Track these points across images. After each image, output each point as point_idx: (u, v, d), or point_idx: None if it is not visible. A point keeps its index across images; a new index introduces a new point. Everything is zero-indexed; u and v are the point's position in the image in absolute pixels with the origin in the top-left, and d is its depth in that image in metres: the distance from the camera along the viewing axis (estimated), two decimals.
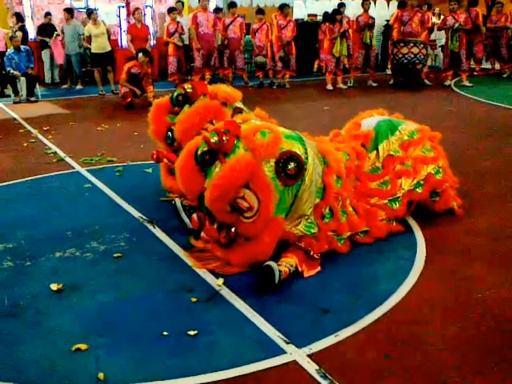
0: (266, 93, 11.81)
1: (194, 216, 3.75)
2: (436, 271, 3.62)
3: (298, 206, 3.61)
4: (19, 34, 11.45)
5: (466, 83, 12.04)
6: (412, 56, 11.53)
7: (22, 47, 11.06)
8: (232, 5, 12.43)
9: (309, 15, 15.39)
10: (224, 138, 3.43)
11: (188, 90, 4.54)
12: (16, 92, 10.92)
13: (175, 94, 4.64)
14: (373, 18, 12.39)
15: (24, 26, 12.50)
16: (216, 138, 3.43)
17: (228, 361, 2.70)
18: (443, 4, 15.37)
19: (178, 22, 11.94)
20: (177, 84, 10.87)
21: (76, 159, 6.40)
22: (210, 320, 3.06)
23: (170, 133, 4.60)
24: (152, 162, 4.69)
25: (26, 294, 3.35)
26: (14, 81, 10.85)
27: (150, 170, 5.74)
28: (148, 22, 13.44)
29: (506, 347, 2.78)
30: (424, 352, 2.75)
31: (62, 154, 6.68)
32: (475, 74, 13.44)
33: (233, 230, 3.49)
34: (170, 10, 12.08)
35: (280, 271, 3.36)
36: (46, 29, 12.45)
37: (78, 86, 12.60)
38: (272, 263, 3.36)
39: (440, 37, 14.15)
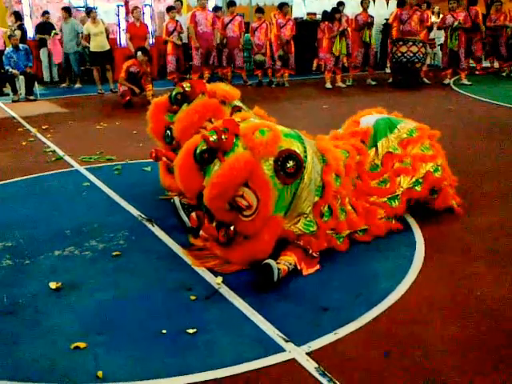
0: (265, 91, 11.81)
1: (193, 214, 3.75)
2: (435, 270, 3.62)
3: (296, 205, 3.62)
4: (18, 32, 11.42)
5: (465, 82, 12.04)
6: (411, 55, 11.53)
7: (21, 46, 11.05)
8: (231, 3, 12.41)
9: (308, 14, 15.36)
10: (223, 137, 3.43)
11: (186, 89, 4.54)
12: (15, 91, 10.91)
13: (174, 93, 4.64)
14: (372, 17, 12.37)
15: (23, 24, 12.47)
16: (215, 137, 3.43)
17: (227, 359, 2.70)
18: (442, 3, 15.36)
19: (177, 21, 11.93)
20: (176, 83, 10.85)
21: (75, 158, 6.40)
22: (209, 318, 3.06)
23: (168, 131, 4.60)
24: (151, 160, 4.69)
25: (25, 293, 3.35)
26: (13, 79, 10.84)
27: (148, 169, 5.74)
28: (147, 20, 13.43)
29: (506, 346, 2.78)
30: (423, 350, 2.75)
31: (60, 152, 6.68)
32: (476, 73, 13.43)
33: (232, 228, 3.49)
34: (169, 9, 12.06)
35: (279, 269, 3.36)
36: (45, 27, 12.42)
37: (77, 85, 12.59)
38: (271, 261, 3.36)
39: (439, 35, 14.15)
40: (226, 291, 3.34)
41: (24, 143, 7.25)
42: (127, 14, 13.16)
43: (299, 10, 16.10)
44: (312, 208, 3.69)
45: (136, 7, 11.97)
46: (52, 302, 3.26)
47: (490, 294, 3.30)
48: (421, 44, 11.62)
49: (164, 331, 2.92)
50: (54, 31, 12.35)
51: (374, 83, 12.44)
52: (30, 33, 13.00)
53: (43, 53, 12.82)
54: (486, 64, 14.09)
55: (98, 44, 11.52)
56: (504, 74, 13.53)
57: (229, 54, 12.34)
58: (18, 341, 2.87)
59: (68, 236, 4.19)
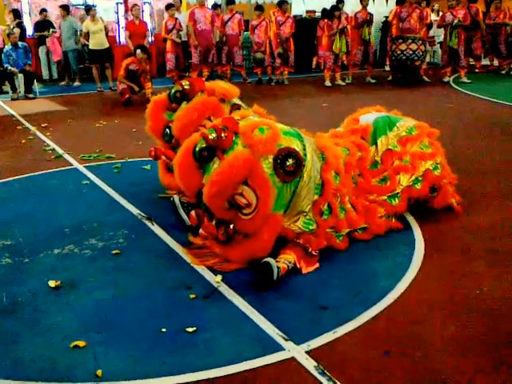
0: (264, 89, 11.80)
1: (193, 213, 3.75)
2: (434, 269, 3.62)
3: (296, 203, 3.61)
4: (17, 30, 11.41)
5: (465, 80, 12.03)
6: (410, 52, 11.51)
7: (20, 44, 11.04)
8: (230, 1, 12.40)
9: (307, 11, 15.35)
10: (222, 135, 3.43)
11: (186, 87, 4.54)
12: (14, 89, 10.91)
13: (173, 91, 4.63)
14: (371, 15, 12.35)
15: (21, 22, 12.46)
16: (214, 135, 3.43)
17: (226, 358, 2.70)
18: (442, 0, 15.35)
19: (176, 19, 11.90)
20: (175, 81, 10.84)
21: (74, 156, 6.39)
22: (209, 317, 3.06)
23: (167, 130, 4.60)
24: (150, 158, 4.69)
25: (25, 291, 3.35)
26: (12, 77, 10.83)
27: (148, 167, 5.73)
28: (146, 18, 13.42)
29: (506, 346, 2.78)
30: (423, 349, 2.75)
31: (60, 150, 6.67)
32: (476, 71, 13.43)
33: (231, 226, 3.49)
34: (168, 7, 12.04)
35: (278, 268, 3.36)
36: (44, 25, 12.41)
37: (76, 83, 12.58)
38: (270, 260, 3.36)
39: (438, 33, 14.15)
40: (225, 290, 3.34)
41: (23, 141, 7.25)
42: (126, 11, 13.14)
43: (298, 8, 16.08)
44: (311, 206, 3.68)
45: (135, 5, 11.94)
46: (51, 300, 3.26)
47: (490, 293, 3.30)
48: (420, 42, 11.61)
49: (163, 330, 2.92)
50: (52, 29, 12.34)
51: (373, 81, 12.43)
52: (29, 31, 12.98)
53: (42, 51, 12.81)
54: (485, 62, 14.08)
55: (97, 42, 11.51)
56: (503, 72, 13.52)
57: (228, 51, 12.33)
58: (17, 339, 2.87)
59: (67, 234, 4.18)
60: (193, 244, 3.90)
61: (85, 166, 5.99)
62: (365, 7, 12.25)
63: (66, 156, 6.43)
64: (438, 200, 4.36)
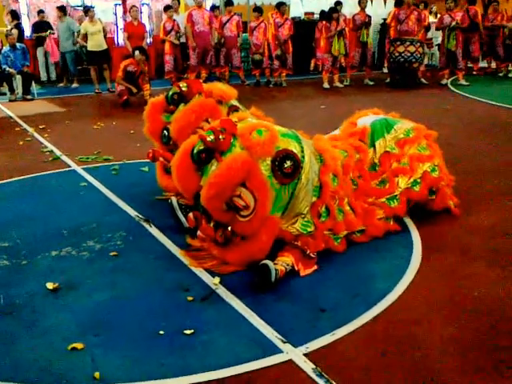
0: (262, 91, 11.81)
1: (191, 215, 3.75)
2: (433, 270, 3.62)
3: (294, 205, 3.61)
4: (15, 31, 11.40)
5: (463, 82, 12.04)
6: (408, 54, 11.53)
7: (18, 45, 11.03)
8: (228, 3, 12.40)
9: (305, 13, 15.36)
10: (220, 137, 3.43)
11: (183, 89, 4.53)
12: (12, 90, 10.90)
13: (170, 93, 4.63)
14: (369, 17, 12.38)
15: (20, 23, 12.45)
16: (212, 137, 3.43)
17: (224, 360, 2.69)
18: (440, 2, 15.38)
19: (174, 20, 11.91)
20: (173, 82, 10.84)
21: (72, 157, 6.39)
22: (207, 319, 3.06)
23: (165, 131, 4.59)
24: (148, 160, 4.68)
25: (22, 293, 3.34)
26: (10, 79, 10.82)
27: (146, 169, 5.73)
28: (145, 19, 13.41)
29: (506, 347, 2.78)
30: (422, 351, 2.75)
31: (58, 152, 6.67)
32: (474, 73, 13.45)
33: (229, 228, 3.49)
34: (166, 8, 12.04)
35: (276, 270, 3.36)
36: (42, 26, 12.40)
37: (74, 84, 12.58)
38: (268, 262, 3.36)
39: (436, 35, 14.16)
40: (223, 292, 3.33)
41: (21, 143, 7.24)
42: (125, 12, 13.12)
43: (297, 10, 16.10)
44: (309, 208, 3.68)
45: (133, 6, 11.94)
46: (49, 302, 3.25)
47: (489, 294, 3.30)
48: (418, 44, 11.63)
49: (161, 332, 2.91)
50: (49, 30, 12.34)
51: (371, 83, 12.44)
52: (27, 32, 12.97)
53: (40, 52, 12.80)
54: (483, 64, 14.10)
55: (96, 43, 11.51)
56: (501, 75, 13.55)
57: (226, 53, 12.33)
58: (14, 341, 2.86)
59: (65, 236, 4.18)
60: (191, 246, 3.90)
61: (83, 168, 5.98)
62: (363, 9, 12.28)
63: (64, 158, 6.42)
64: (437, 202, 4.36)
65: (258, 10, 12.47)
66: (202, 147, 3.49)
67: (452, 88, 11.74)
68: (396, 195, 4.18)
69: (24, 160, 6.39)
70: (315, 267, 3.61)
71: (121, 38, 12.80)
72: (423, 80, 12.39)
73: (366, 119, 4.56)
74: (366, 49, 12.35)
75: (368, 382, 2.55)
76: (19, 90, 11.00)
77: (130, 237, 4.16)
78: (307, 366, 2.63)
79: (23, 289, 3.40)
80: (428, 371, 2.61)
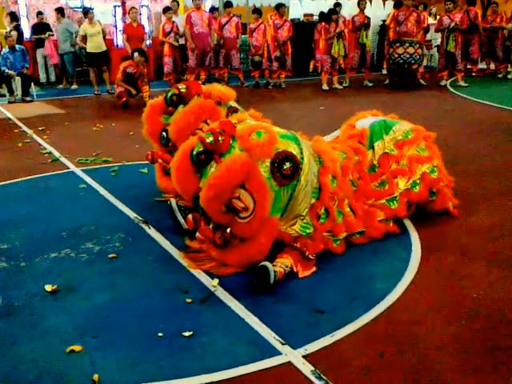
0: (261, 93, 11.81)
1: (190, 216, 3.75)
2: (432, 271, 3.62)
3: (293, 206, 3.61)
4: (14, 33, 11.41)
5: (462, 83, 12.06)
6: (408, 56, 11.54)
7: (17, 47, 11.04)
8: (228, 4, 12.42)
9: (305, 15, 15.36)
10: (219, 138, 3.43)
11: (182, 90, 4.53)
12: (11, 92, 10.90)
13: (169, 94, 4.62)
14: (368, 18, 12.39)
15: (19, 25, 12.45)
16: (211, 138, 3.43)
17: (223, 362, 2.69)
18: (439, 4, 15.40)
19: (174, 22, 11.92)
20: (172, 84, 10.85)
21: (71, 159, 6.39)
22: (205, 321, 3.05)
23: (164, 133, 4.59)
24: (147, 162, 4.68)
25: (21, 295, 3.34)
26: (9, 80, 10.83)
27: (145, 170, 5.73)
28: (144, 21, 13.42)
29: (505, 347, 2.78)
30: (421, 352, 2.75)
31: (57, 154, 6.67)
32: (473, 74, 13.46)
33: (228, 230, 3.49)
34: (166, 10, 12.06)
35: (275, 272, 3.35)
36: (41, 28, 12.42)
37: (74, 86, 12.59)
38: (267, 264, 3.36)
39: (436, 37, 14.17)
40: (222, 293, 3.33)
41: (20, 144, 7.24)
42: (124, 14, 13.14)
43: (296, 11, 16.10)
44: (308, 210, 3.68)
45: (133, 8, 11.95)
46: (48, 304, 3.25)
47: (489, 294, 3.30)
48: (417, 45, 11.64)
49: (160, 334, 2.91)
50: (48, 32, 12.34)
51: (370, 85, 12.45)
52: (27, 33, 12.98)
53: (39, 54, 12.80)
54: (482, 65, 14.11)
55: (95, 45, 11.53)
56: (500, 76, 13.56)
57: (225, 55, 12.34)
58: (13, 343, 2.86)
59: (64, 238, 4.17)
60: (189, 248, 3.89)
61: (82, 170, 5.98)
62: (362, 11, 12.29)
63: (63, 159, 6.42)
64: (437, 203, 4.36)
65: (258, 11, 12.49)
66: (201, 149, 3.48)
67: (451, 89, 11.75)
68: (396, 196, 4.18)
69: (23, 162, 6.39)
70: (314, 269, 3.61)
71: (120, 40, 12.82)
72: (422, 81, 12.40)
73: (365, 121, 4.56)
74: (365, 50, 12.35)
75: (368, 383, 2.55)
76: (18, 92, 11.00)
77: (128, 238, 4.16)
78: (306, 368, 2.63)
79: (22, 291, 3.39)
80: (428, 371, 2.61)
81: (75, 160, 6.34)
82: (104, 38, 11.81)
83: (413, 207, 4.30)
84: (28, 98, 10.94)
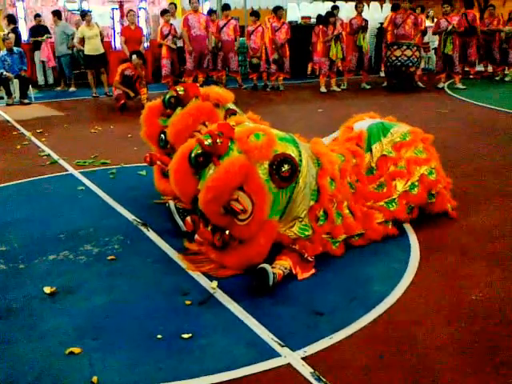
0: (259, 95, 11.82)
1: (188, 219, 3.75)
2: (431, 272, 3.63)
3: (292, 209, 3.62)
4: (12, 35, 11.39)
5: (459, 86, 12.08)
6: (405, 58, 11.56)
7: (15, 49, 11.02)
8: (226, 7, 12.43)
9: (302, 18, 15.40)
10: (218, 141, 3.43)
11: (180, 93, 4.54)
12: (9, 94, 10.88)
13: (167, 97, 4.63)
14: (366, 21, 12.41)
15: (17, 27, 12.44)
16: (210, 141, 3.43)
17: (222, 364, 2.69)
18: (437, 6, 15.43)
19: (171, 24, 11.92)
20: (170, 86, 10.85)
21: (69, 161, 6.38)
22: (205, 323, 3.05)
23: (162, 135, 4.59)
24: (146, 164, 4.68)
25: (20, 297, 3.33)
26: (7, 83, 10.80)
27: (143, 173, 5.73)
28: (141, 24, 13.42)
29: (505, 348, 2.79)
30: (420, 354, 2.76)
31: (55, 156, 6.66)
32: (470, 77, 13.49)
33: (227, 232, 3.49)
34: (163, 13, 12.06)
35: (274, 274, 3.35)
36: (39, 30, 12.41)
37: (72, 88, 12.57)
38: (266, 266, 3.36)
39: (433, 39, 14.21)
40: (221, 295, 3.33)
41: (18, 147, 7.23)
42: (122, 17, 13.15)
43: (294, 14, 16.15)
44: (307, 212, 3.69)
45: (130, 10, 11.95)
46: (47, 306, 3.24)
47: (489, 295, 3.31)
48: (415, 48, 11.66)
49: (159, 336, 2.91)
50: (46, 35, 12.34)
51: (368, 87, 12.47)
52: (25, 36, 12.97)
53: (37, 56, 12.79)
54: (479, 68, 14.15)
55: (93, 47, 11.51)
56: (497, 78, 13.59)
57: (223, 57, 12.35)
58: (12, 346, 2.85)
59: (63, 240, 4.17)
60: (188, 250, 3.89)
61: (80, 172, 5.98)
62: (360, 13, 12.32)
63: (61, 161, 6.42)
64: (436, 206, 4.37)
65: (255, 14, 12.51)
66: (199, 151, 3.49)
67: (449, 92, 11.78)
68: (394, 198, 4.18)
69: (21, 164, 6.38)
70: (313, 271, 3.61)
71: (118, 42, 12.81)
72: (420, 84, 12.42)
73: (363, 123, 4.57)
74: (362, 53, 12.37)
75: (367, 383, 2.56)
76: (16, 94, 10.98)
77: (127, 241, 4.16)
78: (305, 370, 2.63)
79: (20, 293, 3.39)
80: (428, 372, 2.61)
81: (73, 162, 6.34)
82: (102, 40, 11.80)
83: (415, 211, 4.29)
84: (26, 101, 10.92)
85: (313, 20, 14.33)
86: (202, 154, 3.48)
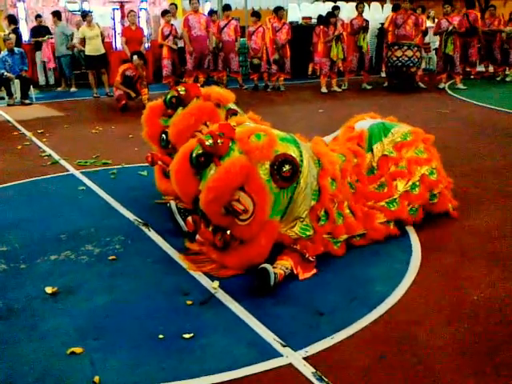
0: (260, 95, 11.82)
1: (189, 219, 3.75)
2: (432, 272, 3.63)
3: (293, 209, 3.62)
4: (13, 36, 11.40)
5: (460, 86, 12.08)
6: (406, 59, 11.56)
7: (16, 49, 11.01)
8: (226, 7, 12.44)
9: (303, 18, 15.40)
10: (219, 141, 3.43)
11: (181, 92, 4.54)
12: (10, 94, 10.89)
13: (168, 97, 4.63)
14: (367, 21, 12.41)
15: (18, 28, 12.45)
16: (211, 141, 3.43)
17: (224, 364, 2.69)
18: (437, 7, 15.43)
19: (172, 25, 11.92)
20: (171, 86, 10.85)
21: (70, 162, 6.39)
22: (206, 323, 3.06)
23: (164, 135, 4.59)
24: (147, 164, 4.68)
25: (21, 298, 3.33)
26: (8, 83, 10.81)
27: (144, 173, 5.73)
28: (142, 24, 13.43)
29: (505, 348, 2.79)
30: (420, 354, 2.76)
31: (56, 156, 6.66)
32: (471, 77, 13.49)
33: (228, 232, 3.49)
34: (164, 13, 12.06)
35: (275, 274, 3.36)
36: (40, 31, 12.41)
37: (72, 89, 12.58)
38: (267, 266, 3.36)
39: (434, 40, 14.20)
40: (222, 296, 3.33)
41: (19, 147, 7.23)
42: (123, 17, 13.15)
43: (294, 14, 16.16)
44: (308, 212, 3.69)
45: (131, 11, 11.95)
46: (48, 306, 3.25)
47: (489, 295, 3.31)
48: (416, 48, 11.65)
49: (161, 336, 2.91)
50: (48, 35, 12.34)
51: (369, 87, 12.47)
52: (26, 36, 12.98)
53: (38, 56, 12.79)
54: (480, 68, 14.14)
55: (94, 47, 11.52)
56: (498, 79, 13.58)
57: (224, 58, 12.35)
58: (13, 346, 2.86)
59: (64, 240, 4.17)
60: (189, 250, 3.89)
61: (81, 172, 5.98)
62: (360, 14, 12.31)
63: (63, 162, 6.42)
64: (437, 206, 4.37)
65: (256, 14, 12.51)
66: (200, 151, 3.49)
67: (450, 92, 11.78)
68: (395, 198, 4.18)
69: (22, 164, 6.39)
70: (314, 271, 3.61)
71: (119, 43, 12.82)
72: (421, 84, 12.41)
73: (364, 123, 4.57)
74: (363, 53, 12.37)
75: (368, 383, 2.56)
76: (17, 95, 10.99)
77: (128, 241, 4.16)
78: (307, 370, 2.63)
79: (22, 293, 3.39)
80: (428, 372, 2.61)
81: (75, 162, 6.34)
82: (103, 40, 11.80)
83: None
84: (27, 101, 10.93)
85: (313, 20, 14.33)
86: (202, 154, 3.48)
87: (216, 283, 3.44)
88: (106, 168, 6.16)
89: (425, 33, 13.11)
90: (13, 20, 12.31)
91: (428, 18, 14.86)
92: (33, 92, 11.33)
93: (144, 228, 4.38)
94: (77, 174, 5.95)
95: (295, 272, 3.54)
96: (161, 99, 4.78)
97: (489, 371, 2.62)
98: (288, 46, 12.23)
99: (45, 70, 13.16)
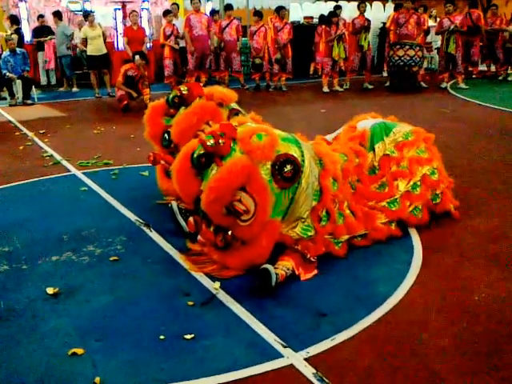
0: (262, 95, 11.83)
1: (191, 219, 3.74)
2: (433, 273, 3.62)
3: (294, 209, 3.61)
4: (15, 36, 11.42)
5: (462, 85, 12.07)
6: (408, 58, 11.55)
7: (18, 50, 11.04)
8: (228, 7, 12.43)
9: (305, 18, 15.40)
10: (220, 141, 3.43)
11: (184, 92, 4.54)
12: (12, 95, 10.91)
13: (171, 96, 4.64)
14: (369, 21, 12.39)
15: (20, 28, 12.47)
16: (212, 141, 3.43)
17: (225, 365, 2.69)
18: (440, 6, 15.40)
19: (174, 25, 11.92)
20: (173, 86, 10.84)
21: (72, 162, 6.39)
22: (207, 323, 3.05)
23: (166, 135, 4.60)
24: (148, 164, 4.68)
25: (22, 298, 3.33)
26: (10, 83, 10.83)
27: (146, 173, 5.73)
28: (144, 24, 13.43)
29: (505, 349, 2.78)
30: (421, 355, 2.75)
31: (58, 156, 6.67)
32: (473, 76, 13.47)
33: (229, 233, 3.48)
34: (166, 13, 12.06)
35: (277, 274, 3.35)
36: (42, 31, 12.44)
37: (74, 89, 12.61)
38: (269, 266, 3.36)
39: (436, 39, 14.19)
40: (223, 296, 3.33)
41: (21, 147, 7.24)
42: (124, 17, 13.16)
43: (296, 14, 16.15)
44: (310, 212, 3.68)
45: (133, 11, 11.95)
46: (49, 307, 3.24)
47: (490, 296, 3.30)
48: (418, 47, 11.64)
49: (162, 337, 2.91)
50: (50, 36, 12.36)
51: (370, 87, 12.45)
52: (28, 37, 12.99)
53: (40, 57, 12.81)
54: (482, 67, 14.12)
55: (96, 48, 11.53)
56: (500, 78, 13.56)
57: (226, 57, 12.34)
58: (14, 346, 2.86)
59: (65, 241, 4.17)
60: (191, 250, 3.89)
61: (83, 173, 5.99)
62: (362, 13, 12.30)
63: (64, 162, 6.42)
64: (439, 205, 4.36)
65: (258, 14, 12.50)
66: (201, 151, 3.49)
67: (451, 91, 11.77)
68: (396, 198, 4.18)
69: (24, 164, 6.40)
70: (315, 271, 3.61)
71: (120, 43, 12.82)
72: (423, 83, 12.40)
73: (366, 122, 4.57)
74: (365, 53, 12.35)
75: None
76: (19, 95, 11.00)
77: (130, 241, 4.16)
78: (308, 371, 2.63)
79: (23, 293, 3.39)
80: (429, 373, 2.61)
81: (76, 163, 6.34)
82: (104, 40, 11.82)
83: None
84: (29, 101, 10.95)
85: (315, 20, 14.34)
86: (204, 154, 3.48)
87: (217, 284, 3.44)
88: (107, 168, 6.16)
89: (427, 32, 13.10)
90: (15, 20, 12.33)
91: (430, 17, 14.87)
92: (35, 92, 11.35)
93: (145, 228, 4.38)
94: (78, 174, 5.96)
95: (296, 273, 3.53)
96: (163, 99, 4.78)
97: (488, 372, 2.61)
98: (290, 45, 12.22)
99: (47, 71, 13.17)
